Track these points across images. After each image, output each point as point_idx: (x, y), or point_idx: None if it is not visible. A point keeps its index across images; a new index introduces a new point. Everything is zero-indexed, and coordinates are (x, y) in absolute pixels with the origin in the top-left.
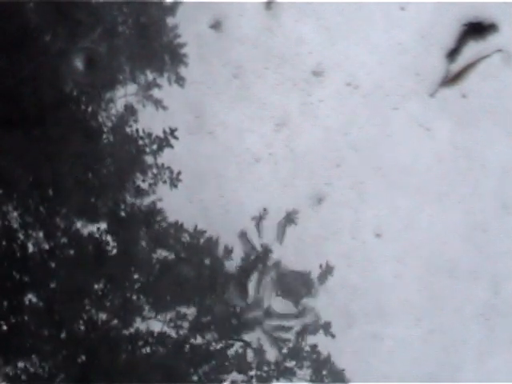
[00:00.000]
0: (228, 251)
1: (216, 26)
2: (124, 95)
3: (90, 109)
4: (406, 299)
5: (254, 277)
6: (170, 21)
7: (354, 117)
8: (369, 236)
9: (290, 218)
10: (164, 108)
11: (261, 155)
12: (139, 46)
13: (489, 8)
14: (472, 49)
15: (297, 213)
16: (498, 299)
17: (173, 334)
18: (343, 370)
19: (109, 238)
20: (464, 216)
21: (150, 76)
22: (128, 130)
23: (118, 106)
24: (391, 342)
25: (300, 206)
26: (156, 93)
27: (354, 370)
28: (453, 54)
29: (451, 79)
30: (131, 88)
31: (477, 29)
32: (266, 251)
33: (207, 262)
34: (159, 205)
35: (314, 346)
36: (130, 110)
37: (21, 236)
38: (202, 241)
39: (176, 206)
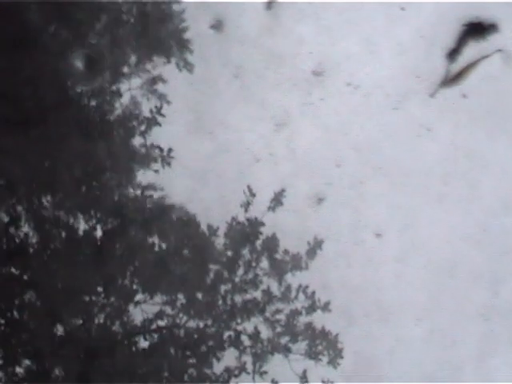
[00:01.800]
0: (213, 230)
1: (216, 26)
2: (128, 89)
3: (90, 108)
4: (406, 299)
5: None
6: (175, 8)
7: (354, 117)
8: (369, 236)
9: (278, 199)
10: (168, 103)
11: (261, 155)
12: (144, 36)
13: (489, 8)
14: (472, 49)
15: (284, 191)
16: (498, 299)
17: (168, 311)
18: (337, 335)
19: (107, 233)
20: (464, 216)
21: (154, 72)
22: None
23: (119, 105)
24: (391, 341)
25: (300, 205)
26: (160, 88)
27: (354, 370)
28: (453, 53)
29: (451, 79)
30: (135, 82)
31: (477, 29)
32: (256, 227)
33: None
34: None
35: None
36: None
37: (20, 234)
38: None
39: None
